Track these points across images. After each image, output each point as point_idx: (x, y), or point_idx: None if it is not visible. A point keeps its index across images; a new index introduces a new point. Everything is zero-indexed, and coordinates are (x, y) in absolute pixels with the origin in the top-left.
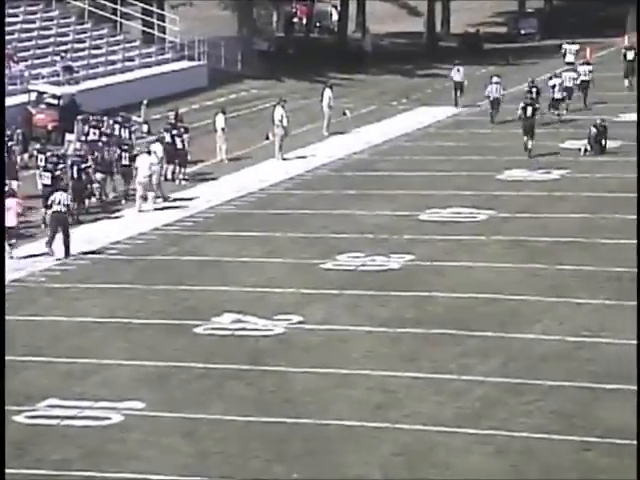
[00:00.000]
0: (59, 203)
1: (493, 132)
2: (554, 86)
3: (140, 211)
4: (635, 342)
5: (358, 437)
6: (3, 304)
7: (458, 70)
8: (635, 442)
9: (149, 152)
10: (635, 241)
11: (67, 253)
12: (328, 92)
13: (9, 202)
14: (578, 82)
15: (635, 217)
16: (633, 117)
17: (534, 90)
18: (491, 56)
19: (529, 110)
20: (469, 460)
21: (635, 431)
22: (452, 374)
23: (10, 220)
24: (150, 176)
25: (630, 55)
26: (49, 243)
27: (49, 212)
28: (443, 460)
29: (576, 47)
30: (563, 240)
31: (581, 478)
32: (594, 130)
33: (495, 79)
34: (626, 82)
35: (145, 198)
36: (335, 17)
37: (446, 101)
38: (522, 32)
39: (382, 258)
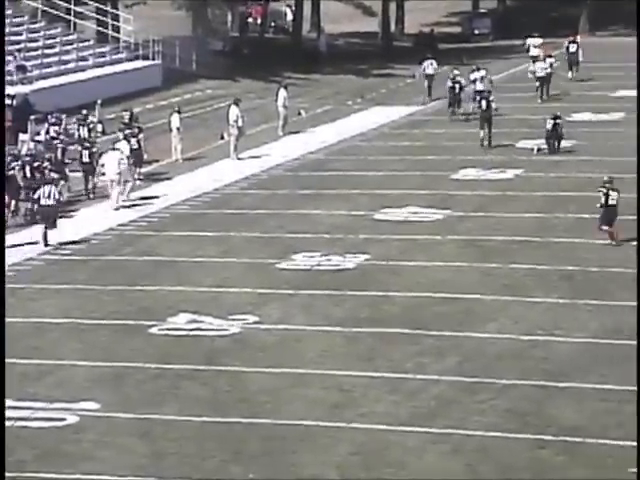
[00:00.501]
0: (48, 196)
1: (447, 132)
2: (475, 80)
3: (116, 209)
4: (586, 340)
5: (314, 437)
6: (3, 304)
7: (431, 64)
8: (587, 440)
9: (114, 149)
10: (583, 240)
11: (46, 243)
12: (283, 92)
13: None
14: (543, 74)
15: (588, 216)
16: (586, 116)
17: (457, 85)
18: (445, 56)
19: (484, 103)
20: (424, 459)
21: (587, 429)
22: (408, 373)
23: None
24: (120, 173)
25: (573, 48)
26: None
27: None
28: (399, 459)
29: (539, 41)
30: (517, 239)
31: (535, 476)
32: (550, 122)
33: (456, 72)
34: (569, 74)
35: (118, 194)
36: (290, 17)
37: (401, 101)
38: (476, 32)
39: (338, 258)
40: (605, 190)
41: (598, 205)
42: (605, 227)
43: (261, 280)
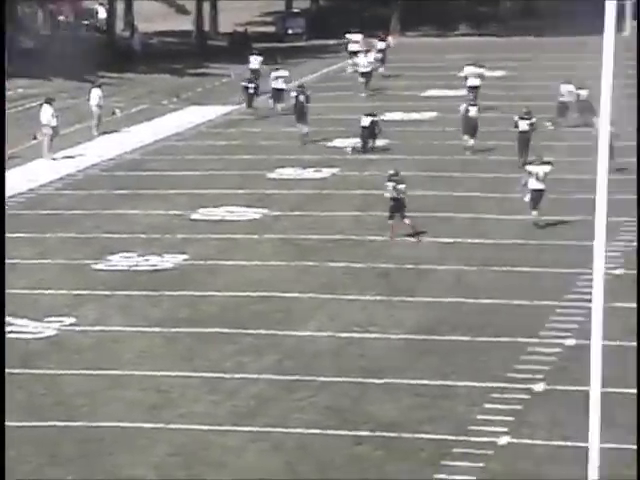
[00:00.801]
0: None
1: (264, 131)
2: (277, 77)
3: None
4: (401, 336)
5: (132, 438)
6: (3, 307)
7: (256, 59)
8: (402, 434)
9: None
10: (398, 237)
11: None
12: (97, 91)
13: None
14: (369, 69)
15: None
16: (398, 116)
17: (252, 86)
18: (260, 55)
19: (301, 97)
20: (244, 458)
21: (402, 424)
22: (227, 373)
23: None
24: None
25: (382, 46)
26: None
27: None
28: (219, 459)
29: (359, 37)
30: (334, 238)
31: (353, 472)
32: (367, 120)
33: (280, 71)
34: (381, 69)
35: None
36: (103, 15)
37: (217, 100)
38: (289, 32)
39: (155, 258)
40: (394, 183)
41: (388, 196)
42: (391, 222)
43: (77, 281)
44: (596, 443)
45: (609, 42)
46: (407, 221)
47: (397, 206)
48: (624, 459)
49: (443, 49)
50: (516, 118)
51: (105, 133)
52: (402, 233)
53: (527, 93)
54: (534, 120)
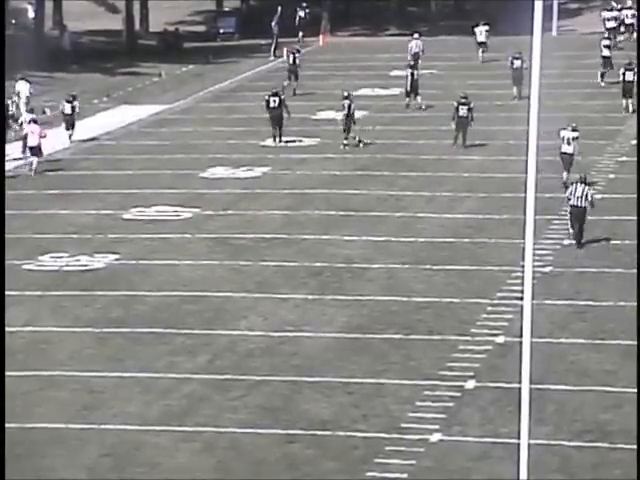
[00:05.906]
0: None
1: (196, 130)
2: None
3: None
4: (334, 335)
5: (64, 439)
6: (3, 303)
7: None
8: (335, 433)
9: None
10: (330, 236)
11: None
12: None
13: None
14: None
15: (334, 212)
16: (329, 115)
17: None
18: (191, 55)
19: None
20: (176, 458)
21: (335, 422)
22: (159, 373)
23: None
24: None
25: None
26: None
27: None
28: (150, 459)
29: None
30: (266, 237)
31: (286, 470)
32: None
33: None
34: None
35: None
36: (31, 14)
37: (148, 99)
38: (221, 31)
39: (87, 258)
40: None
41: None
42: None
43: (8, 282)
44: (526, 440)
45: (537, 41)
46: None
47: None
48: (553, 455)
49: (373, 49)
50: (455, 104)
51: None
52: None
53: (458, 92)
54: (472, 105)
